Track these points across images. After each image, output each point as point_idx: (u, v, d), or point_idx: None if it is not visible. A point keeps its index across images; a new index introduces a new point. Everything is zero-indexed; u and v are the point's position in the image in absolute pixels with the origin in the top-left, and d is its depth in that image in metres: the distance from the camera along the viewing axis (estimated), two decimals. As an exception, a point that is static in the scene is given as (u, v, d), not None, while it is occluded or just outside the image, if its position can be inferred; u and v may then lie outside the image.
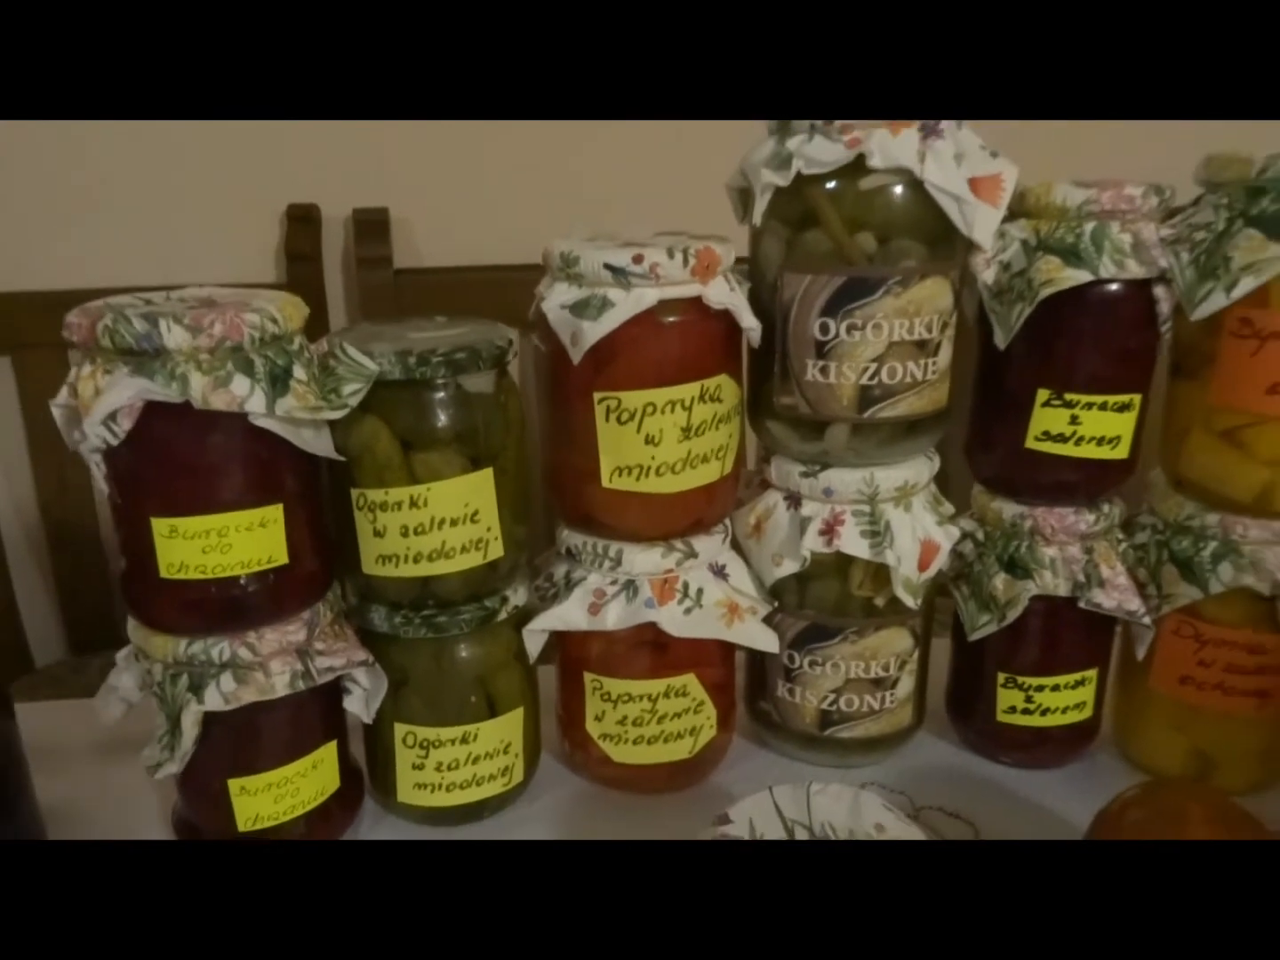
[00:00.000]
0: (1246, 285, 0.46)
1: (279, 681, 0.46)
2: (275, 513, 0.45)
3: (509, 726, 0.53)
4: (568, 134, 1.07)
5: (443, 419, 0.47)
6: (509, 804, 0.55)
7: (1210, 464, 0.51)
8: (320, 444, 0.45)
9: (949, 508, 0.56)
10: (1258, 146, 0.48)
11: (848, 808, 0.44)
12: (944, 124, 0.47)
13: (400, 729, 0.51)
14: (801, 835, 0.42)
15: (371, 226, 1.11)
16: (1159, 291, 0.49)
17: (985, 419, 0.55)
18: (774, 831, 0.43)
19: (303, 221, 1.09)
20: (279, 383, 0.43)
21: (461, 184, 1.12)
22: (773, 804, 0.44)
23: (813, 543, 0.53)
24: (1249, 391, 0.48)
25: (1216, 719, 0.54)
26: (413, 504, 0.47)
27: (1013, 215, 0.51)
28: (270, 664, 0.46)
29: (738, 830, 0.43)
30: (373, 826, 0.54)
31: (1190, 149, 0.51)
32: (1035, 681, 0.56)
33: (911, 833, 0.42)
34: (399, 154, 1.11)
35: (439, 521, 0.47)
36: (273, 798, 0.48)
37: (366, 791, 0.55)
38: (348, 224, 1.12)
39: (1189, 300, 0.48)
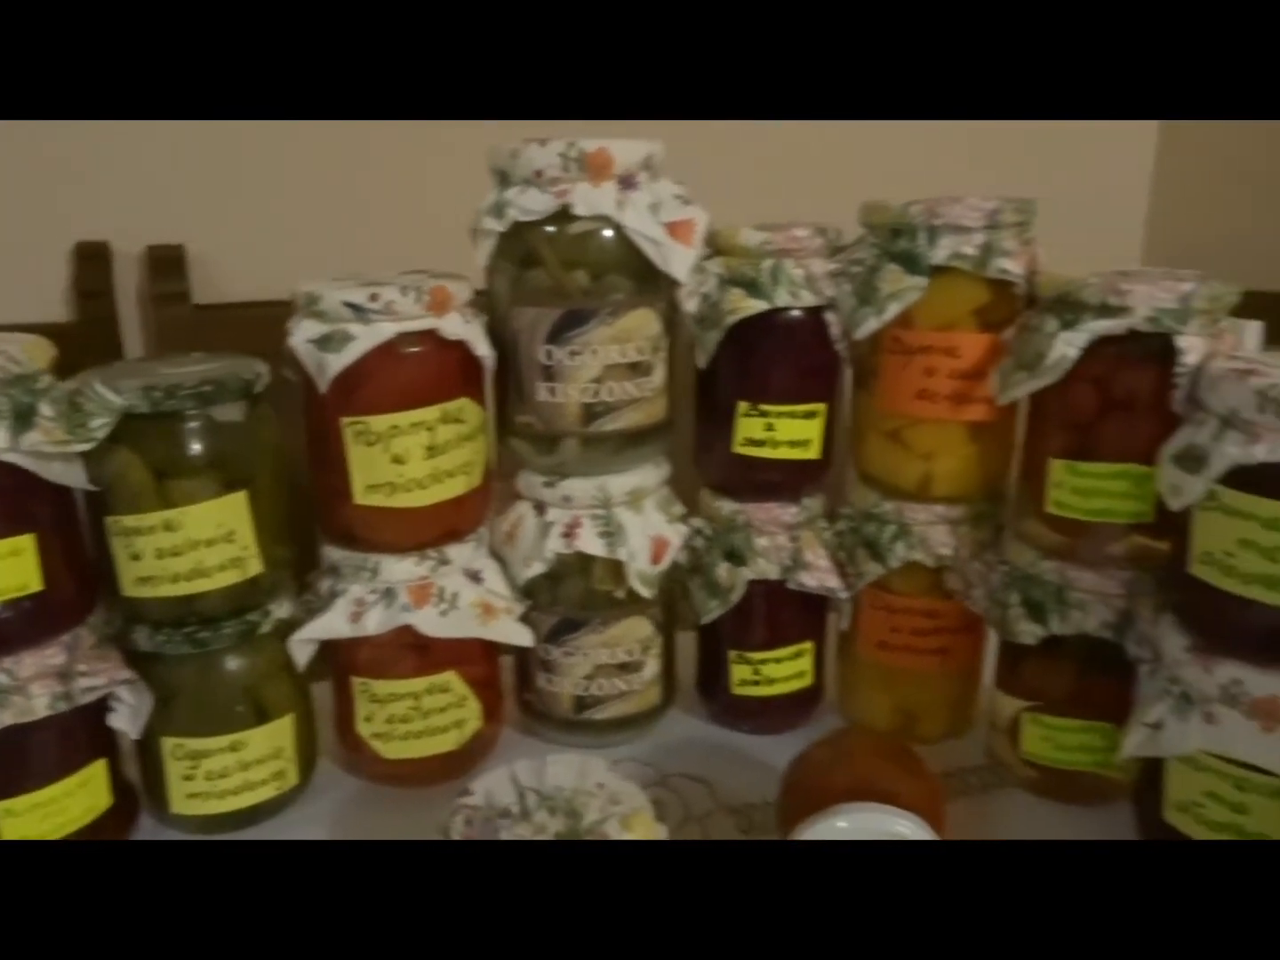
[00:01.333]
0: (893, 310, 0.56)
1: (39, 704, 0.49)
2: (27, 542, 0.47)
3: (279, 733, 0.56)
4: (368, 165, 1.11)
5: (194, 447, 0.51)
6: (286, 806, 0.59)
7: (882, 460, 0.60)
8: (71, 476, 0.48)
9: (680, 508, 0.64)
10: (922, 190, 0.58)
11: (576, 772, 0.50)
12: (640, 177, 0.54)
13: (168, 742, 0.54)
14: (532, 800, 0.48)
15: (166, 263, 1.11)
16: (829, 316, 0.58)
17: (703, 429, 0.62)
18: (508, 798, 0.48)
19: (93, 259, 1.09)
20: (23, 419, 0.46)
21: (262, 218, 1.14)
22: (510, 775, 0.50)
23: (556, 544, 0.59)
24: (903, 397, 0.58)
25: (910, 677, 0.64)
26: (167, 528, 0.50)
27: (715, 253, 0.59)
28: (30, 687, 0.49)
29: (476, 800, 0.49)
30: (150, 838, 0.57)
31: (861, 195, 0.60)
32: (760, 656, 0.64)
33: (628, 789, 0.49)
34: (196, 189, 1.12)
35: (194, 543, 0.51)
36: (40, 816, 0.50)
37: (143, 807, 0.57)
38: (142, 260, 1.12)
39: (851, 323, 0.57)
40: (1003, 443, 0.59)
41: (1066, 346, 0.51)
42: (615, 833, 0.46)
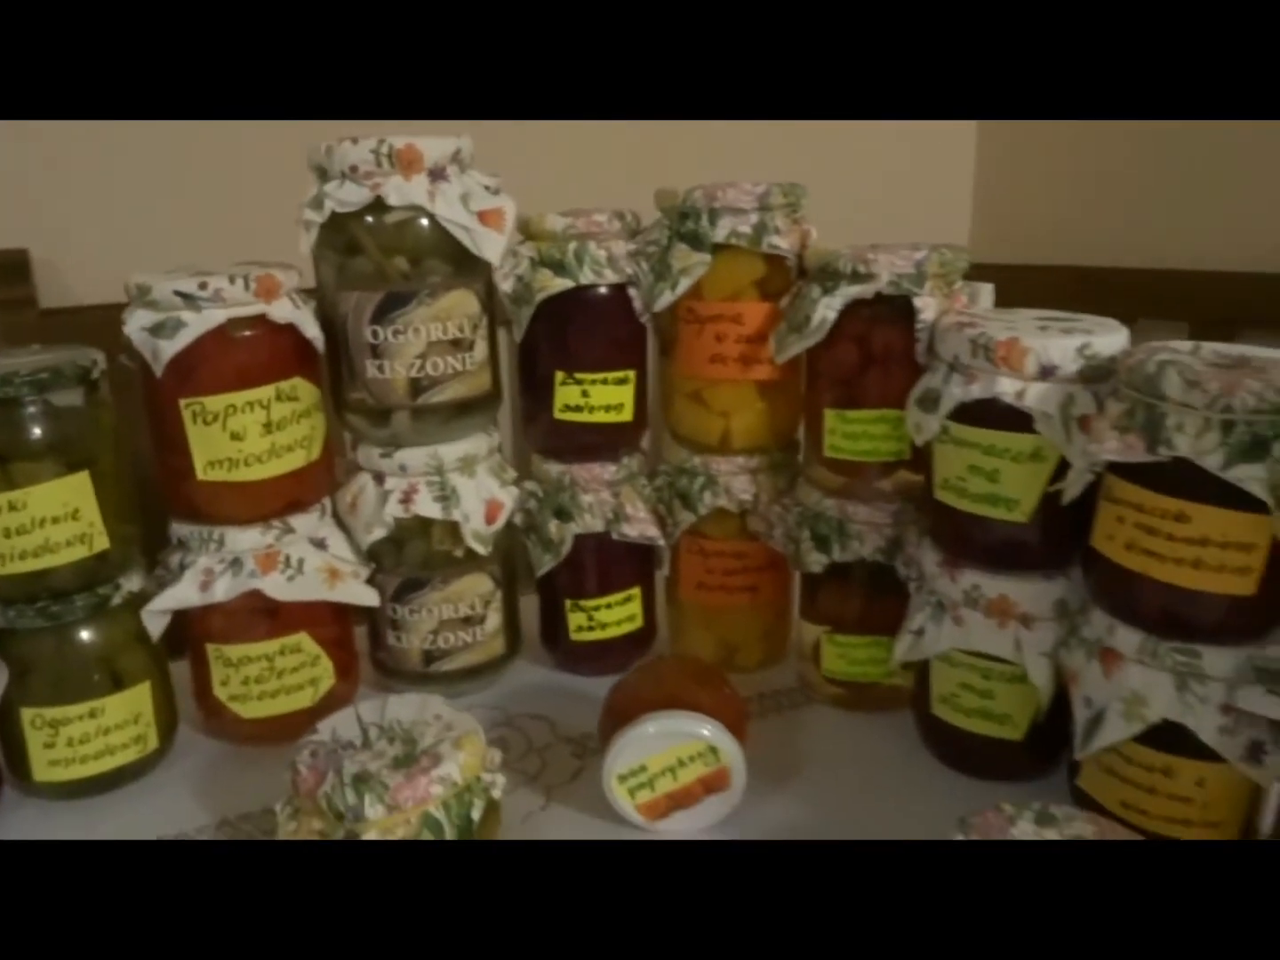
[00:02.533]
0: (684, 284, 0.63)
1: (-108, 681, 0.52)
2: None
3: (137, 699, 0.60)
4: (207, 165, 1.12)
5: (35, 431, 0.54)
6: (149, 770, 0.62)
7: (687, 419, 0.68)
8: (-86, 463, 0.51)
9: (511, 473, 0.70)
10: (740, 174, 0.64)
11: (415, 707, 0.55)
12: (449, 169, 0.60)
13: (28, 713, 0.57)
14: (374, 732, 0.53)
15: (9, 269, 1.10)
16: (632, 292, 0.65)
17: (527, 399, 0.68)
18: (352, 733, 0.53)
19: (-72, 267, 1.07)
20: None
21: (107, 220, 1.14)
22: (354, 714, 0.55)
23: (394, 510, 0.64)
24: (699, 362, 0.65)
25: (727, 614, 0.72)
26: (12, 507, 0.54)
27: (526, 238, 0.65)
28: (-117, 666, 0.51)
29: (322, 736, 0.53)
30: (14, 810, 0.60)
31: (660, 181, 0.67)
32: (593, 603, 0.70)
33: (462, 718, 0.55)
34: (37, 193, 1.11)
35: (40, 521, 0.54)
36: (-100, 790, 0.53)
37: (5, 780, 0.60)
38: (-18, 267, 1.11)
39: (650, 297, 0.64)
40: (790, 398, 0.66)
41: (826, 310, 0.59)
42: (449, 754, 0.51)
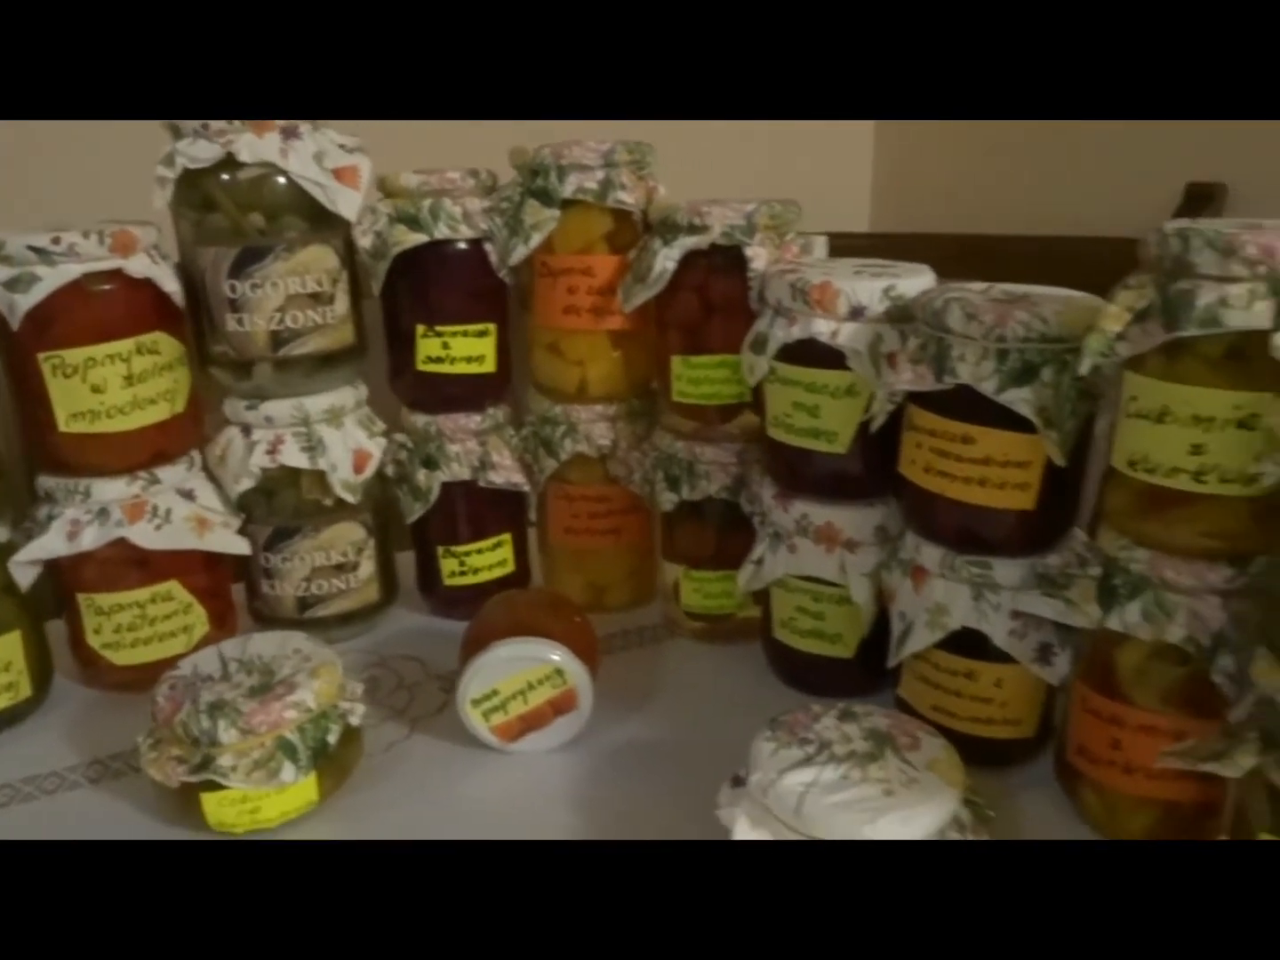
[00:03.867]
0: (536, 239, 0.66)
1: None
2: None
3: (8, 648, 0.62)
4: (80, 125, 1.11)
5: (-113, 385, 0.55)
6: (22, 718, 0.64)
7: (547, 369, 0.71)
8: None
9: (381, 425, 0.72)
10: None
11: (277, 643, 0.58)
12: (303, 127, 0.62)
13: (-107, 662, 0.59)
14: (234, 668, 0.56)
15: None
16: (488, 247, 0.67)
17: (392, 353, 0.71)
18: (212, 668, 0.56)
19: None
20: None
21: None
22: (216, 651, 0.57)
23: (260, 460, 0.66)
24: (554, 313, 0.68)
25: (594, 556, 0.75)
26: None
27: (386, 196, 0.67)
28: None
29: (183, 672, 0.56)
30: (-114, 760, 0.61)
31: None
32: (464, 549, 0.73)
33: (322, 652, 0.57)
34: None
35: (-104, 472, 0.56)
36: None
37: (-124, 731, 0.61)
38: None
39: (505, 252, 0.67)
40: (644, 348, 0.70)
41: (666, 260, 0.63)
42: (304, 682, 0.54)
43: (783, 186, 1.11)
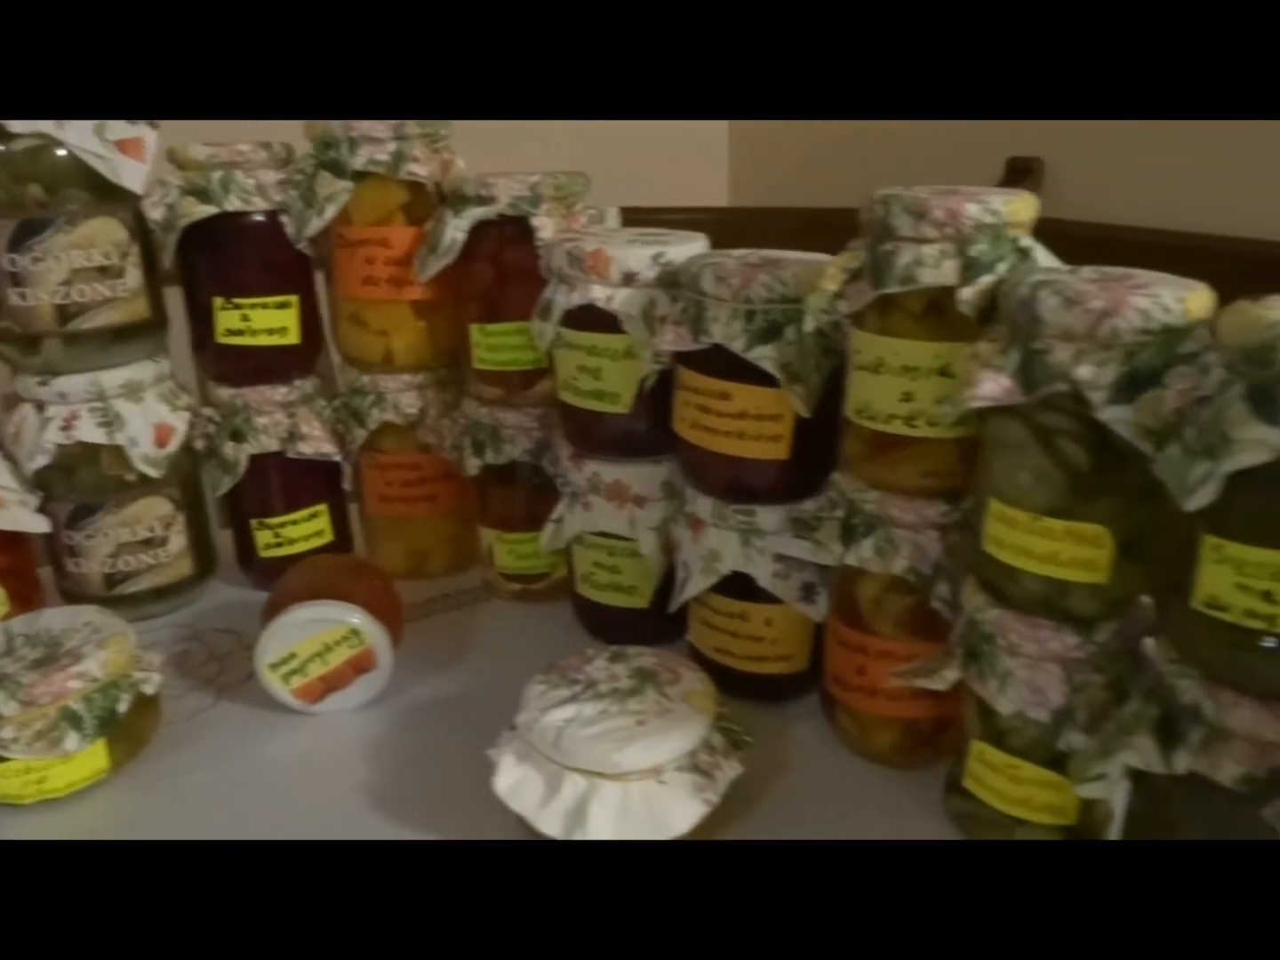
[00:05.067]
0: (330, 211, 0.67)
1: None
2: None
3: None
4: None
5: None
6: None
7: (352, 339, 0.72)
8: None
9: (186, 398, 0.72)
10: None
11: (68, 617, 0.58)
12: (80, 98, 0.61)
13: None
14: (20, 643, 0.56)
15: None
16: (284, 219, 0.68)
17: (193, 326, 0.71)
18: (-3, 643, 0.56)
19: None
20: None
21: None
22: (4, 628, 0.57)
23: (54, 436, 0.66)
24: (354, 284, 0.69)
25: (411, 524, 0.77)
26: None
27: (178, 168, 0.67)
28: None
29: (-36, 647, 0.56)
30: None
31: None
32: (278, 521, 0.74)
33: (114, 623, 0.57)
34: None
35: None
36: None
37: None
38: None
39: (300, 224, 0.67)
40: (448, 317, 0.71)
41: (455, 231, 0.65)
42: (91, 653, 0.54)
43: (642, 163, 1.14)
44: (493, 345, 0.68)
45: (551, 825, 0.46)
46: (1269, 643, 0.36)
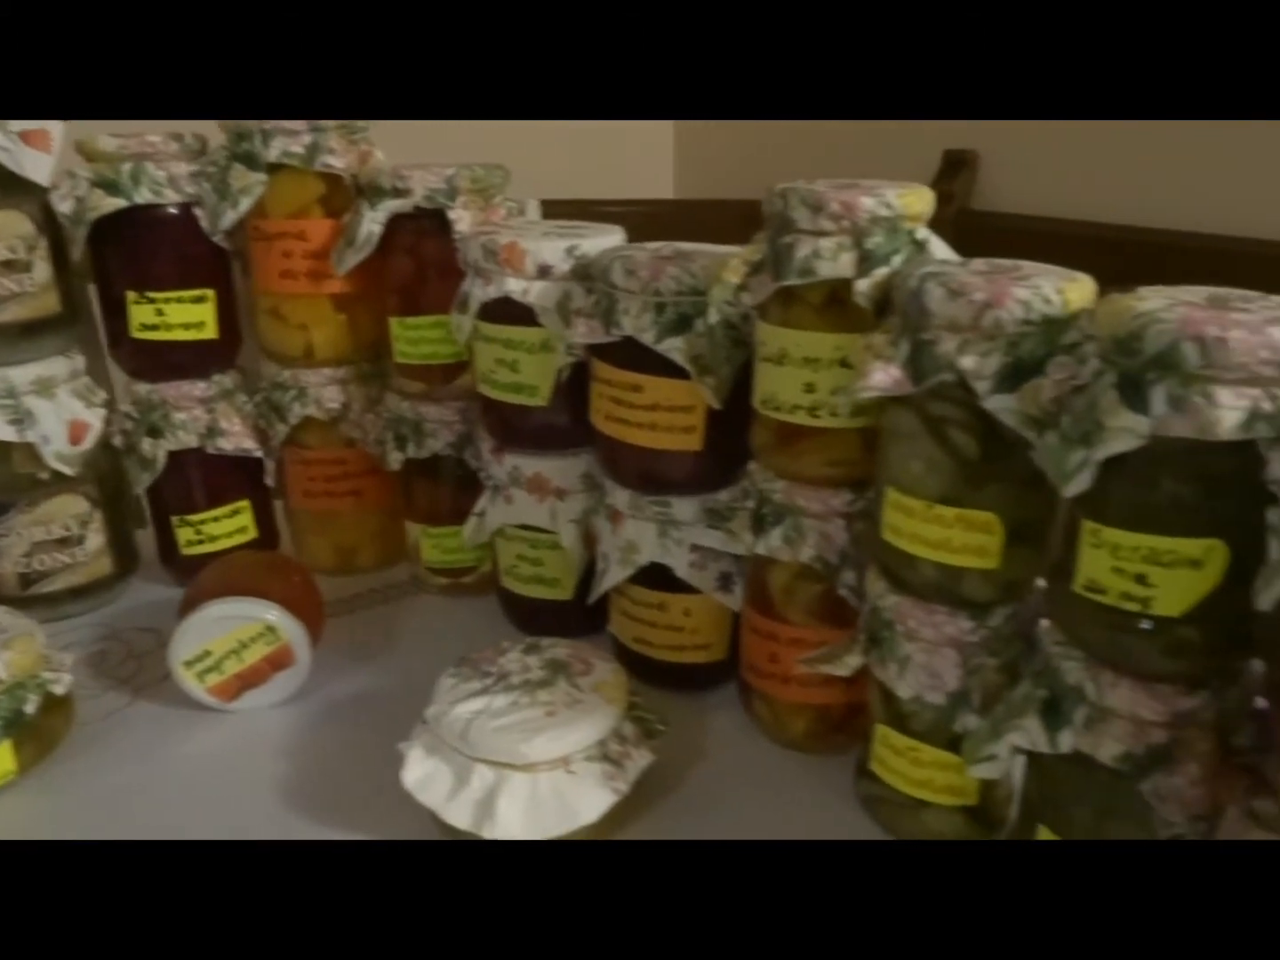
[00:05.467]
0: (245, 203, 0.66)
1: None
2: None
3: None
4: None
5: None
6: None
7: (271, 334, 0.71)
8: None
9: (102, 395, 0.71)
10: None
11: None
12: (-20, 89, 0.60)
13: None
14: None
15: None
16: (198, 212, 0.67)
17: (108, 321, 0.70)
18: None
19: None
20: None
21: None
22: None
23: (-40, 435, 0.65)
24: (271, 277, 0.68)
25: (337, 519, 0.76)
26: None
27: (88, 160, 0.66)
28: None
29: None
30: None
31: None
32: (199, 518, 0.73)
33: (21, 624, 0.57)
34: None
35: None
36: None
37: None
38: None
39: (215, 217, 0.66)
40: (370, 311, 0.71)
41: (372, 224, 0.64)
42: (-3, 654, 0.54)
43: (586, 156, 1.13)
44: (412, 339, 0.67)
45: (460, 817, 0.46)
46: (1145, 624, 0.37)
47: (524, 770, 0.46)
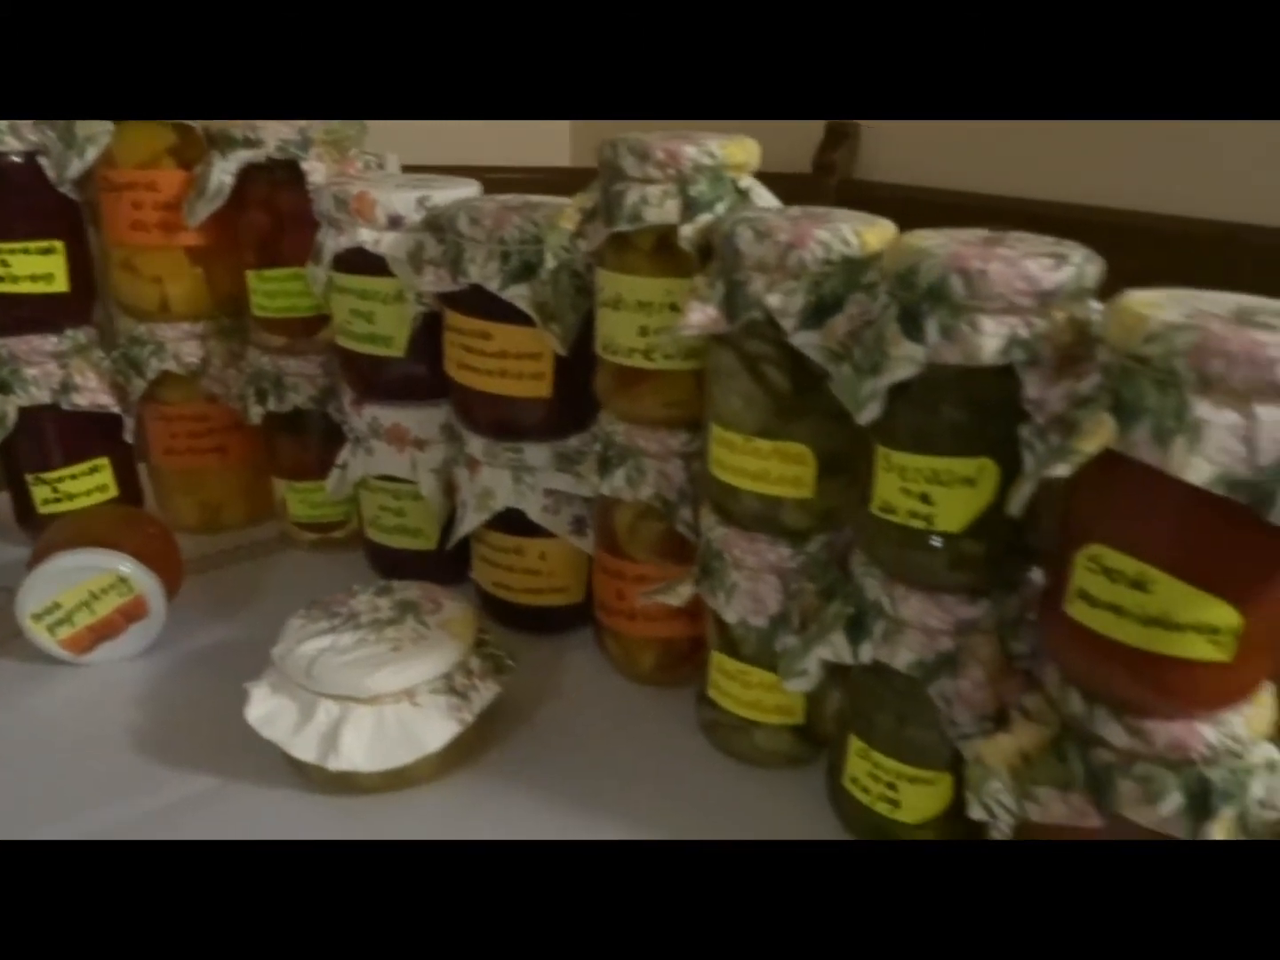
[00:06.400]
0: (92, 152, 0.65)
1: None
2: None
3: None
4: None
5: None
6: None
7: (125, 287, 0.70)
8: None
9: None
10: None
11: None
12: None
13: None
14: None
15: None
16: (43, 161, 0.65)
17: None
18: None
19: None
20: None
21: None
22: None
23: None
24: (121, 229, 0.67)
25: (200, 476, 0.76)
26: None
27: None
28: None
29: None
30: None
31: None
32: (55, 475, 0.72)
33: None
34: None
35: None
36: None
37: None
38: None
39: (61, 166, 0.65)
40: (227, 264, 0.70)
41: (222, 174, 0.64)
42: None
43: (483, 123, 1.11)
44: (270, 292, 0.67)
45: (305, 750, 0.47)
46: (934, 541, 0.40)
47: (368, 703, 0.48)
